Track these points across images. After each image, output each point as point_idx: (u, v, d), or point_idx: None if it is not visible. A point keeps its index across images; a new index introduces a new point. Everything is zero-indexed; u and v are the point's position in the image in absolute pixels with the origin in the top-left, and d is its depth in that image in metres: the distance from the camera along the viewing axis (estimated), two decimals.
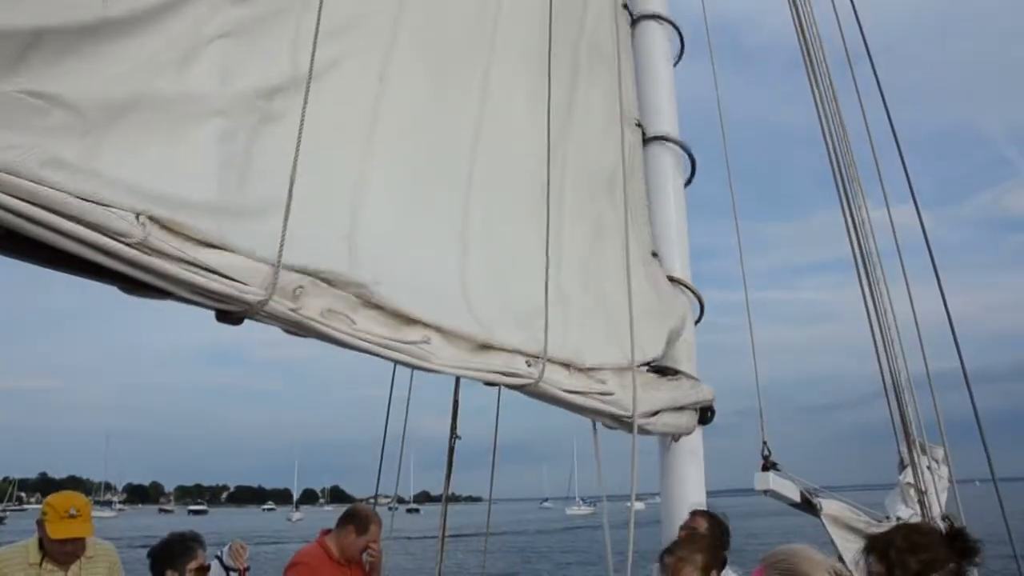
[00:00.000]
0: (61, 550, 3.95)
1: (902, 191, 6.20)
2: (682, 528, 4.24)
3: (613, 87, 4.63)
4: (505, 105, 3.82)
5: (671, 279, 4.89)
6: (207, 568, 4.02)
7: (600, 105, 4.60)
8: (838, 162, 5.75)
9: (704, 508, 4.45)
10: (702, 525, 4.18)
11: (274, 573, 4.17)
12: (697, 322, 5.06)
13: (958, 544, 2.11)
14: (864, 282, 5.55)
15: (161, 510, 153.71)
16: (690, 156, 5.23)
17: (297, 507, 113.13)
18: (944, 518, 2.41)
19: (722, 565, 3.36)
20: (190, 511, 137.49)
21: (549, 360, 3.43)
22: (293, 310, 2.42)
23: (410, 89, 3.28)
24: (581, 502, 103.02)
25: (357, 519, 4.56)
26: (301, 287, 2.45)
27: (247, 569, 4.20)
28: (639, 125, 5.08)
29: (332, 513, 5.78)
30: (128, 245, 2.03)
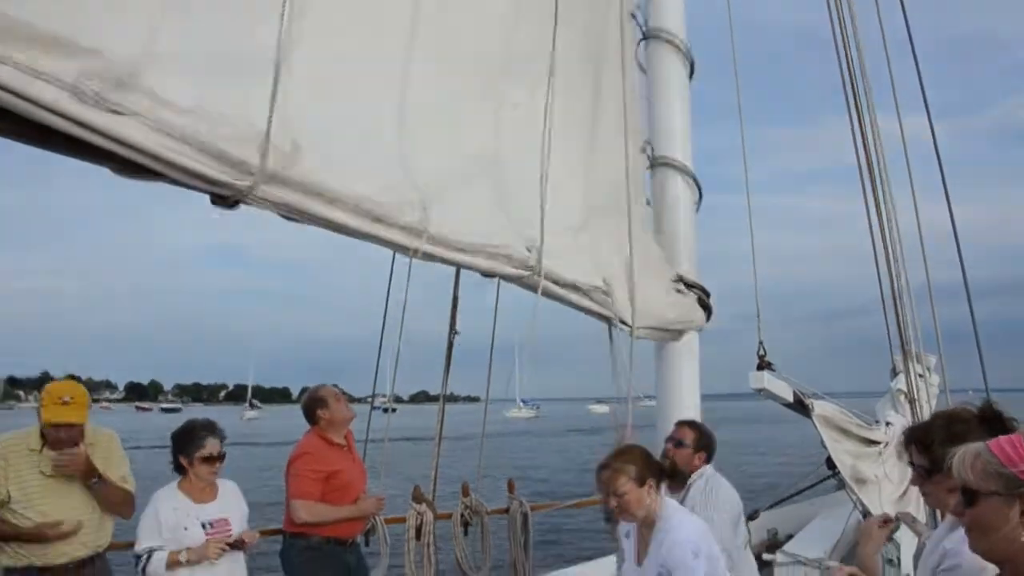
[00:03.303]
0: (55, 435, 3.88)
1: (913, 99, 6.04)
2: (667, 440, 4.23)
3: None
4: None
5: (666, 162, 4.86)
6: (217, 458, 4.13)
7: None
8: (849, 65, 5.57)
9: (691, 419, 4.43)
10: (689, 435, 4.17)
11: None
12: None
13: (995, 425, 2.12)
14: (868, 189, 5.46)
15: (137, 408, 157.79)
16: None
17: (251, 405, 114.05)
18: (985, 402, 2.42)
19: (661, 475, 3.30)
20: (162, 409, 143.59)
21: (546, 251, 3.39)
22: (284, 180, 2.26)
23: None
24: (522, 404, 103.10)
25: (321, 402, 4.69)
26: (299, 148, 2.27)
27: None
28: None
29: None
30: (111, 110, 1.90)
